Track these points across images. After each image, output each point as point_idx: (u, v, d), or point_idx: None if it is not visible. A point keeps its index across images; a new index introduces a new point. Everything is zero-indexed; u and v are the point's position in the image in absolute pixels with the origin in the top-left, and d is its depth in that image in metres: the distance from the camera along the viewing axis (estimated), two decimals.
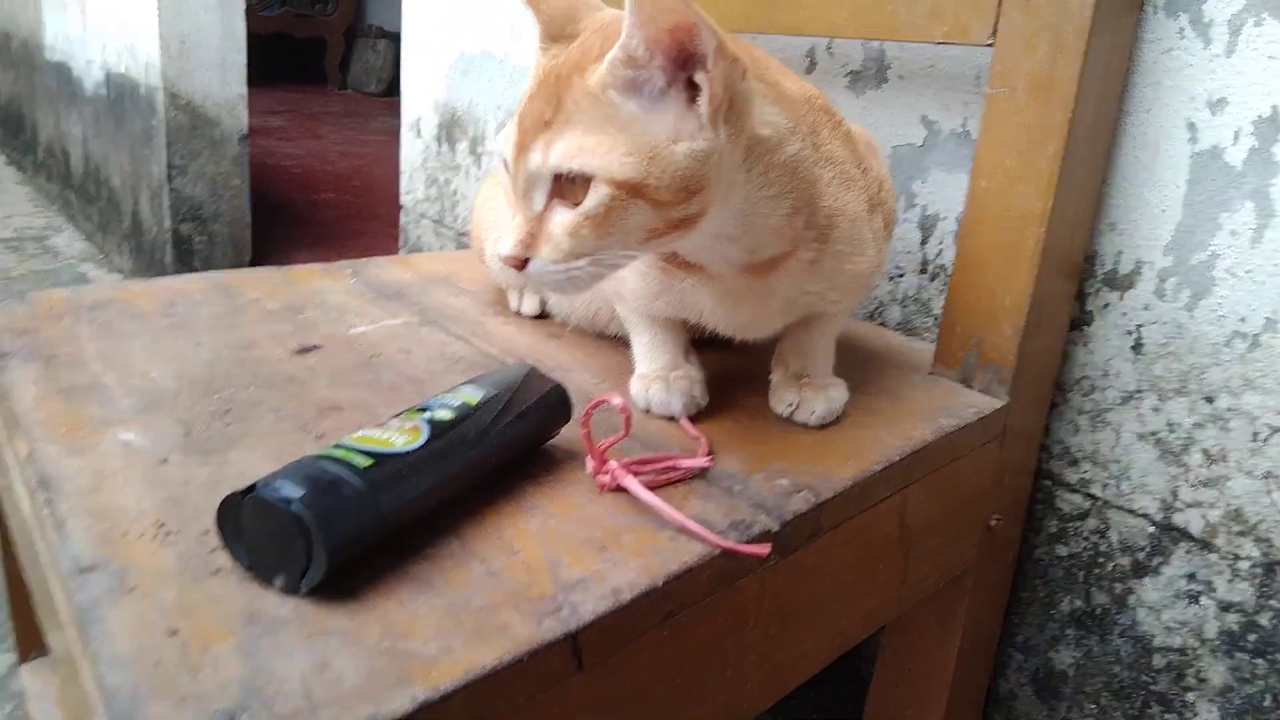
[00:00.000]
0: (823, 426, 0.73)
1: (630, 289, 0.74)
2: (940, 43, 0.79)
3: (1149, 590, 0.85)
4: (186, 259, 2.61)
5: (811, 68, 1.03)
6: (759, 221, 0.64)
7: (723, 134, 0.58)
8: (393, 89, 1.58)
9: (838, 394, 0.74)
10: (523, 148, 0.59)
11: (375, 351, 0.83)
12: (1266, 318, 0.75)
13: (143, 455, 0.63)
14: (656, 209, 0.57)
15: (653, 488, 0.62)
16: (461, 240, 1.63)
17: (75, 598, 0.48)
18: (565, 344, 0.88)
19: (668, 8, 0.53)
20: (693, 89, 0.57)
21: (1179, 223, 0.79)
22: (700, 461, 0.65)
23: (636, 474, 0.62)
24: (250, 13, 2.86)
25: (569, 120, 0.57)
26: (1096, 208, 0.83)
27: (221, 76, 2.55)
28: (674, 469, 0.64)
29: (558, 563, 0.54)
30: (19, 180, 4.21)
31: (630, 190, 0.56)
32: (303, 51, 6.61)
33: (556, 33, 0.64)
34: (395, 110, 1.80)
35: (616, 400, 0.59)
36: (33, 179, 4.14)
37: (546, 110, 0.58)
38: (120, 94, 2.83)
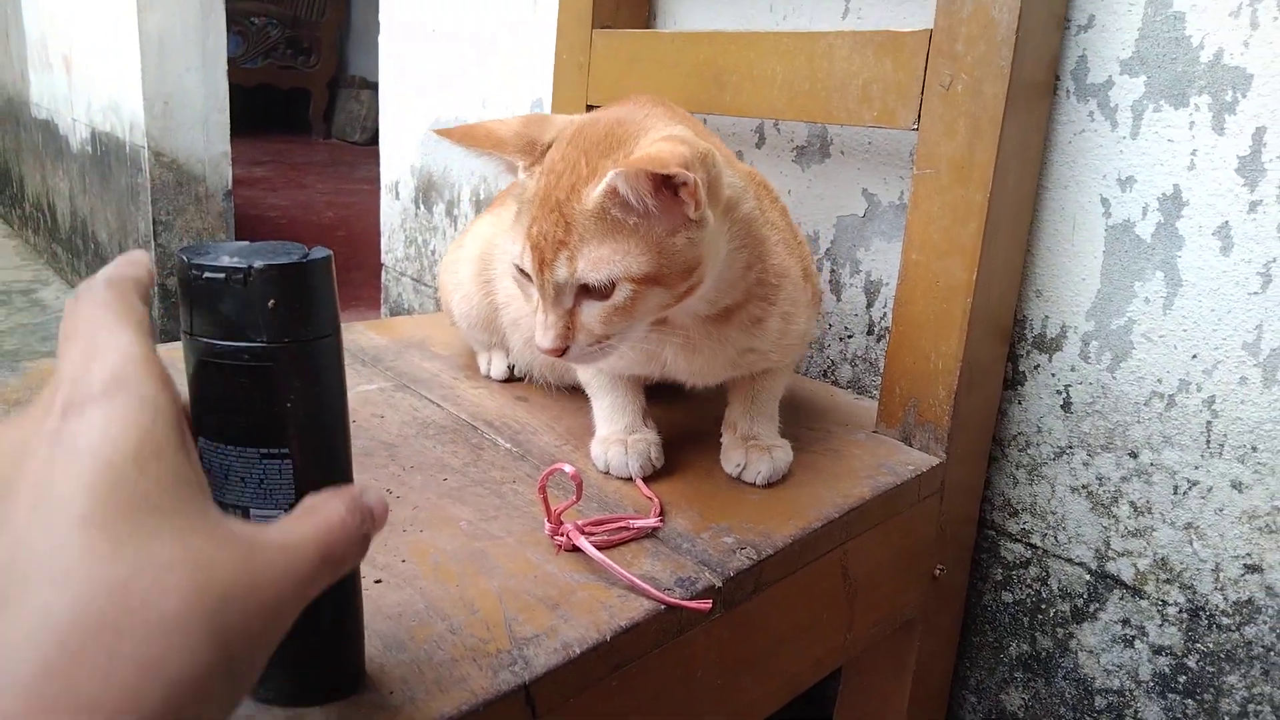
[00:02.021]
0: (769, 485, 0.78)
1: None
2: (870, 126, 0.86)
3: (1088, 635, 0.90)
4: (174, 312, 2.65)
5: (761, 143, 1.10)
6: (725, 273, 0.72)
7: (709, 215, 0.66)
8: (376, 138, 1.65)
9: (781, 455, 0.80)
10: (546, 264, 0.66)
11: (351, 417, 0.88)
12: (1180, 379, 0.81)
13: None
14: (668, 289, 0.67)
15: (607, 547, 0.67)
16: (432, 296, 1.69)
17: None
18: (531, 407, 0.93)
19: (643, 175, 0.61)
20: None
21: (1098, 290, 0.85)
22: (651, 522, 0.70)
23: (590, 535, 0.67)
24: (234, 65, 2.93)
25: (582, 238, 0.65)
26: (1023, 276, 0.89)
27: (205, 134, 2.61)
28: (626, 529, 0.69)
29: (514, 620, 0.58)
30: (6, 234, 4.25)
31: (647, 281, 0.65)
32: (287, 102, 6.70)
33: (529, 157, 0.71)
34: (379, 159, 1.86)
35: (569, 468, 0.64)
36: (20, 233, 4.19)
37: (558, 231, 0.65)
38: (106, 151, 2.89)
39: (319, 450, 0.49)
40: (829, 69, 0.87)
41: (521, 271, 0.70)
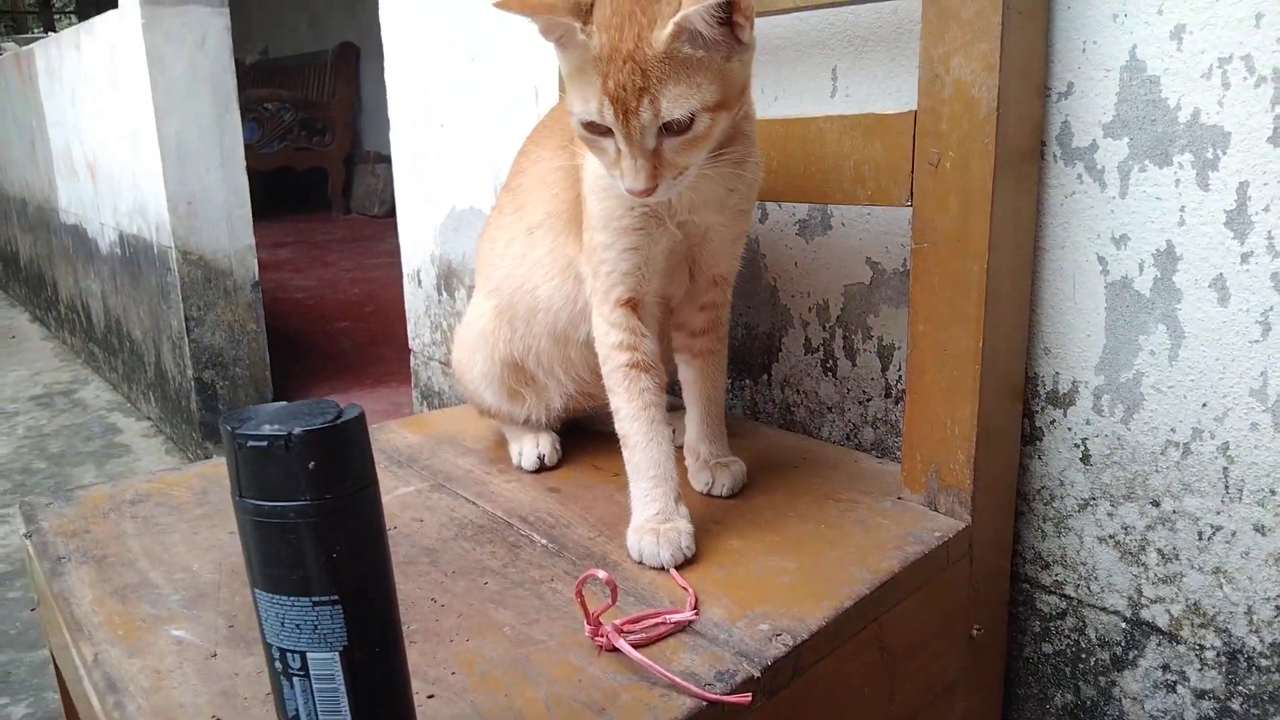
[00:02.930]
0: (733, 495, 0.94)
1: (602, 210, 0.87)
2: (867, 205, 0.89)
3: (1130, 682, 0.91)
4: (210, 404, 2.72)
5: (764, 218, 1.13)
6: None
7: (753, 36, 0.76)
8: (395, 210, 1.73)
9: (737, 469, 0.95)
10: (630, 112, 0.73)
11: (391, 524, 0.91)
12: (1193, 428, 0.82)
13: (194, 650, 0.72)
14: (728, 112, 0.77)
15: (646, 644, 0.69)
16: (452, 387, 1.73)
17: None
18: (563, 498, 0.96)
19: (713, 6, 0.70)
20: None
21: (1104, 345, 0.87)
22: (686, 615, 0.72)
23: (629, 633, 0.69)
24: (251, 151, 3.02)
25: (660, 80, 0.72)
26: (1030, 334, 0.91)
27: (229, 230, 2.68)
28: (663, 624, 0.71)
29: None
30: (44, 336, 4.37)
31: (717, 108, 0.75)
32: (305, 182, 6.84)
33: (579, 18, 0.75)
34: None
35: (602, 574, 0.67)
36: (57, 334, 4.30)
37: (635, 79, 0.72)
38: (135, 253, 2.97)
39: (366, 593, 0.52)
40: (821, 152, 0.91)
41: (595, 129, 0.76)
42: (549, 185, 0.97)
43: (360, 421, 0.50)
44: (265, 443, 0.48)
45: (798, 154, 0.93)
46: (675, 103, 0.72)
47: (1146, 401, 0.85)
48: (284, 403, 0.52)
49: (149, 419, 3.15)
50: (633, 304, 0.89)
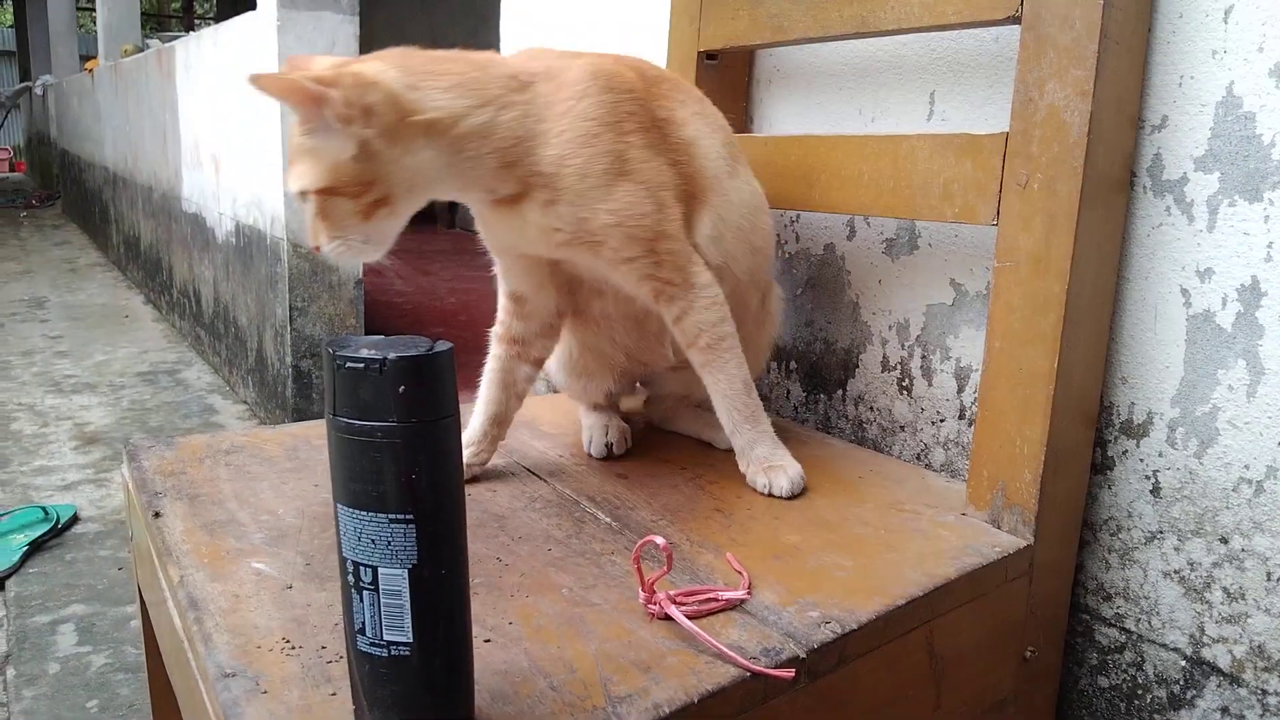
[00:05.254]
0: (793, 497, 0.95)
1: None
2: (952, 222, 0.90)
3: None
4: (306, 391, 2.82)
5: (852, 235, 1.15)
6: (471, 176, 0.86)
7: (368, 135, 0.79)
8: None
9: (794, 469, 0.97)
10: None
11: (467, 491, 0.95)
12: (1268, 465, 0.82)
13: (271, 581, 0.76)
14: (352, 200, 0.81)
15: (696, 616, 0.71)
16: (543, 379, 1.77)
17: (220, 698, 0.61)
18: (630, 484, 0.99)
19: (281, 84, 0.78)
20: None
21: (1182, 378, 0.87)
22: (739, 594, 0.74)
23: (681, 604, 0.72)
24: None
25: (293, 158, 0.82)
26: (1108, 363, 0.91)
27: None
28: (715, 600, 0.73)
29: (609, 680, 0.64)
30: (155, 318, 4.58)
31: (328, 192, 0.81)
32: None
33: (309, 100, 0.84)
34: None
35: (660, 540, 0.69)
36: (167, 317, 4.50)
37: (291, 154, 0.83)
38: (248, 243, 3.11)
39: (439, 516, 0.56)
40: (912, 169, 0.93)
41: None
42: None
43: (449, 356, 0.55)
44: (361, 365, 0.52)
45: (888, 170, 0.96)
46: (294, 179, 0.82)
47: (1221, 437, 0.84)
48: (383, 336, 0.56)
49: (245, 403, 3.28)
50: (515, 297, 1.02)
